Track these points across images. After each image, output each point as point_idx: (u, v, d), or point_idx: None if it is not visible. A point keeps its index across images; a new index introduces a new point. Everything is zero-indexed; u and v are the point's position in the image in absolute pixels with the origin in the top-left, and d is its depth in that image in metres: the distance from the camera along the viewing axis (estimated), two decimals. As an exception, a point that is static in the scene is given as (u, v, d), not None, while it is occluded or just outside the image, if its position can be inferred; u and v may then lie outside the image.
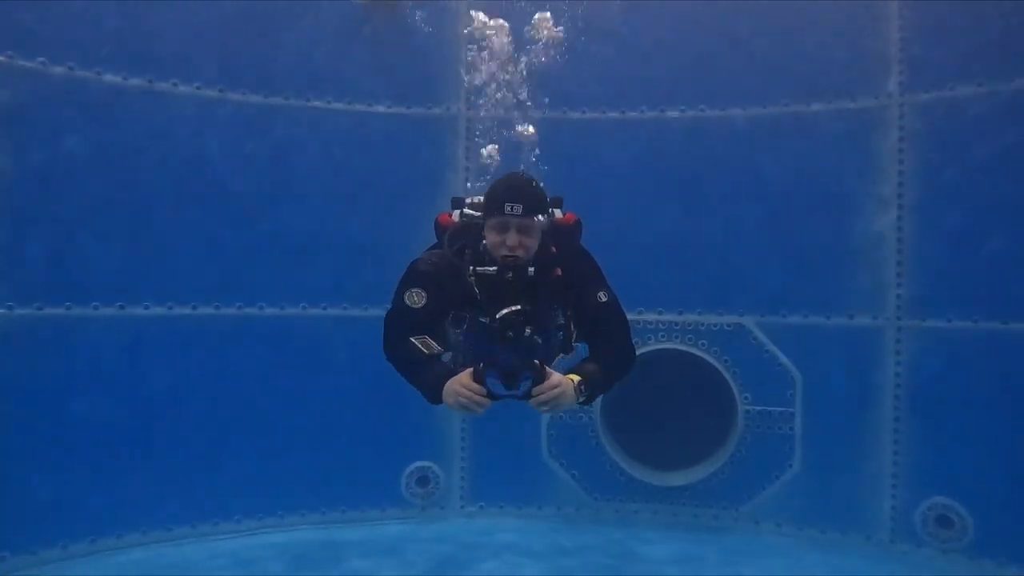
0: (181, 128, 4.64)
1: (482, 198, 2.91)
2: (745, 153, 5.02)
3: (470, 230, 2.79)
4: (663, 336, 5.12)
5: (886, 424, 4.71)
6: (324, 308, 4.99)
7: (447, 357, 2.84)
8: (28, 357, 4.21)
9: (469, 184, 5.18)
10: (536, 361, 2.51)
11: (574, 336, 2.89)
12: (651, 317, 5.13)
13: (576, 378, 2.57)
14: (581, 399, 2.58)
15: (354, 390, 4.91)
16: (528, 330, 2.64)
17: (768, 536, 4.90)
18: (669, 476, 5.19)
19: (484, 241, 2.70)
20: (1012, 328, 4.35)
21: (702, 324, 5.09)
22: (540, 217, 2.65)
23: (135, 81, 4.50)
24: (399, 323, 2.70)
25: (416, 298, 2.67)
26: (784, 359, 4.92)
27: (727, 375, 5.01)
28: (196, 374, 4.68)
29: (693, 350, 5.07)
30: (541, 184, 2.92)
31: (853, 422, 4.80)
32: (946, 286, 4.56)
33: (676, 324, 5.11)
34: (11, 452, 4.14)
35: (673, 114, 5.14)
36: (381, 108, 5.09)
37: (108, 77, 4.41)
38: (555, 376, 2.51)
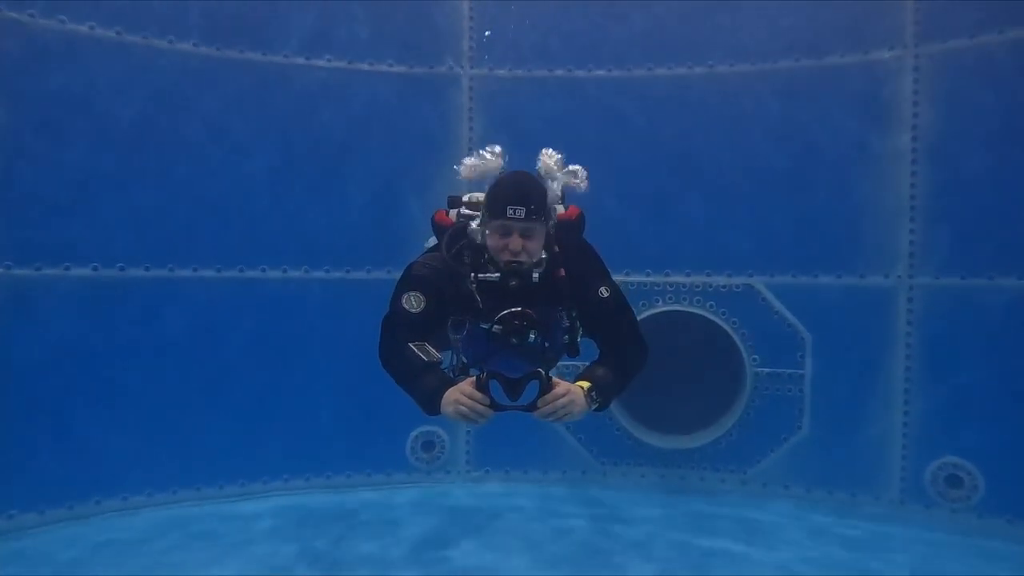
0: (180, 85, 4.54)
1: (480, 196, 2.82)
2: (755, 109, 4.91)
3: (469, 231, 2.67)
4: (671, 299, 5.06)
5: (896, 384, 4.66)
6: (327, 271, 4.92)
7: (445, 365, 2.71)
8: (24, 319, 4.14)
9: (472, 146, 5.09)
10: (541, 370, 2.40)
11: (579, 335, 2.79)
12: (658, 279, 5.06)
13: (586, 384, 2.47)
14: (594, 406, 2.48)
15: (358, 355, 4.83)
16: (533, 335, 2.54)
17: (776, 499, 4.87)
18: (676, 440, 5.16)
19: (484, 242, 2.58)
20: (1027, 284, 4.30)
21: (710, 286, 5.02)
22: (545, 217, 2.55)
23: (132, 38, 4.38)
24: (396, 328, 2.59)
25: (414, 302, 2.56)
26: (793, 320, 4.86)
27: (736, 337, 4.95)
28: (206, 336, 4.61)
29: (701, 312, 5.00)
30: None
31: (863, 383, 4.75)
32: (960, 243, 4.48)
33: (684, 286, 5.04)
34: (19, 413, 4.10)
35: (680, 71, 5.03)
36: (383, 67, 4.98)
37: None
38: (562, 385, 2.40)
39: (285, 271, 4.84)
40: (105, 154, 4.34)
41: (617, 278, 4.89)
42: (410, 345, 2.50)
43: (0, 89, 4.04)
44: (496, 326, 2.52)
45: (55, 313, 4.20)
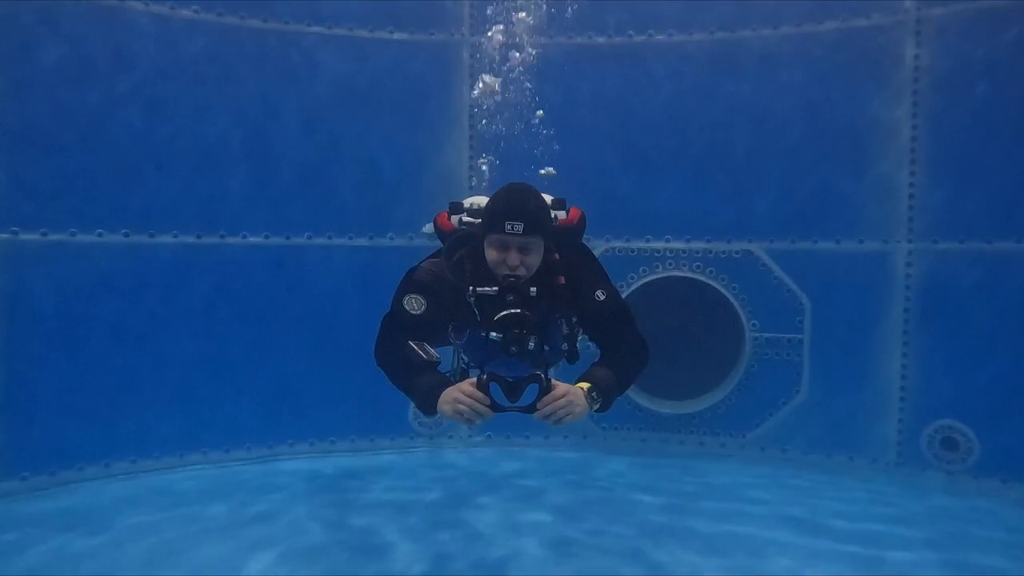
0: (180, 50, 4.56)
1: (482, 200, 2.80)
2: (755, 75, 4.91)
3: (470, 240, 2.66)
4: (671, 264, 5.09)
5: (894, 349, 4.69)
6: (329, 238, 4.96)
7: (446, 366, 2.71)
8: (44, 280, 4.23)
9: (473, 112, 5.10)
10: (540, 373, 2.40)
11: (578, 339, 2.78)
12: (659, 245, 5.09)
13: (586, 385, 2.46)
14: (595, 407, 2.48)
15: (361, 322, 4.89)
16: (532, 344, 2.53)
17: (773, 462, 4.93)
18: (676, 405, 5.22)
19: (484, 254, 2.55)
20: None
21: (710, 251, 5.04)
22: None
23: (132, 3, 4.40)
24: (396, 328, 2.59)
25: (415, 304, 2.56)
26: (793, 285, 4.89)
27: (735, 302, 4.98)
28: (213, 302, 4.69)
29: (701, 277, 5.03)
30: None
31: (861, 347, 4.78)
32: (958, 207, 4.50)
33: (684, 252, 5.07)
34: (33, 377, 4.20)
35: (682, 38, 5.02)
36: (384, 34, 4.98)
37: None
38: (562, 386, 2.39)
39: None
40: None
41: (617, 244, 5.08)
42: (410, 343, 2.53)
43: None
44: (495, 334, 2.52)
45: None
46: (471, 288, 2.53)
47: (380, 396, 4.95)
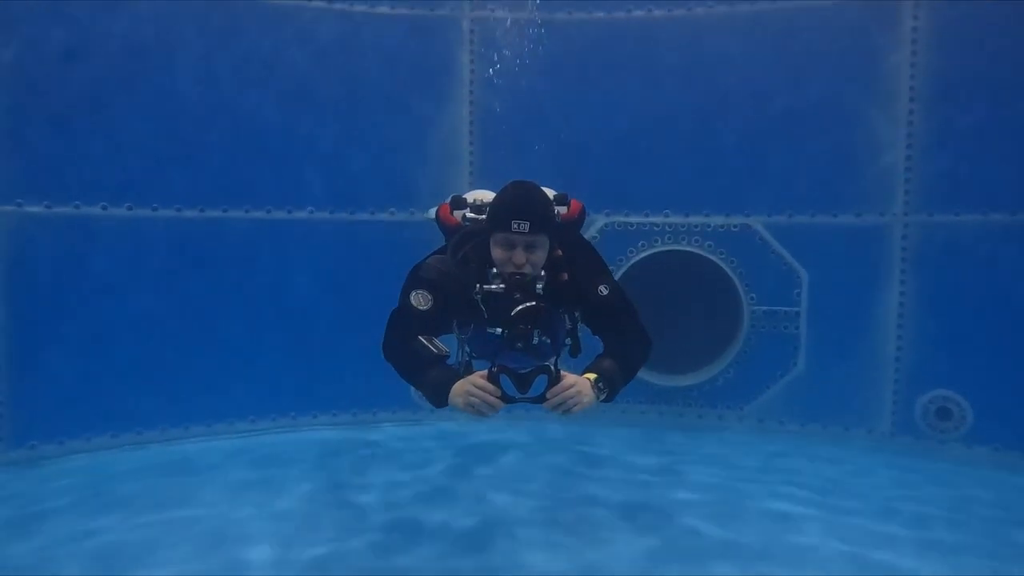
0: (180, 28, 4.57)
1: (485, 196, 2.87)
2: (751, 50, 4.92)
3: (474, 237, 2.72)
4: (669, 238, 5.13)
5: (890, 320, 4.76)
6: (331, 212, 5.00)
7: (452, 359, 2.78)
8: (55, 254, 4.29)
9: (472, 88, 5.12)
10: (549, 364, 2.47)
11: (580, 335, 2.85)
12: (658, 219, 5.13)
13: (592, 376, 2.53)
14: (601, 396, 2.54)
15: (359, 295, 4.96)
16: (536, 338, 2.59)
17: (771, 434, 5.01)
18: (674, 378, 5.28)
19: (489, 251, 2.61)
20: (1020, 218, 4.36)
21: (708, 226, 5.09)
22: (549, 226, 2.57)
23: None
24: (404, 323, 2.65)
25: (422, 300, 2.61)
26: (790, 258, 4.94)
27: (734, 276, 5.04)
28: (224, 276, 4.74)
29: (699, 251, 5.08)
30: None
31: (857, 320, 4.84)
32: (954, 179, 4.54)
33: (682, 226, 5.12)
34: (44, 346, 4.27)
35: (680, 12, 5.04)
36: (384, 9, 4.99)
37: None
38: (569, 377, 2.47)
39: (289, 212, 4.93)
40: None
41: (616, 219, 5.13)
42: (420, 338, 2.59)
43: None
44: (500, 329, 2.57)
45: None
46: (478, 285, 2.59)
47: (384, 371, 5.09)
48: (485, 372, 2.46)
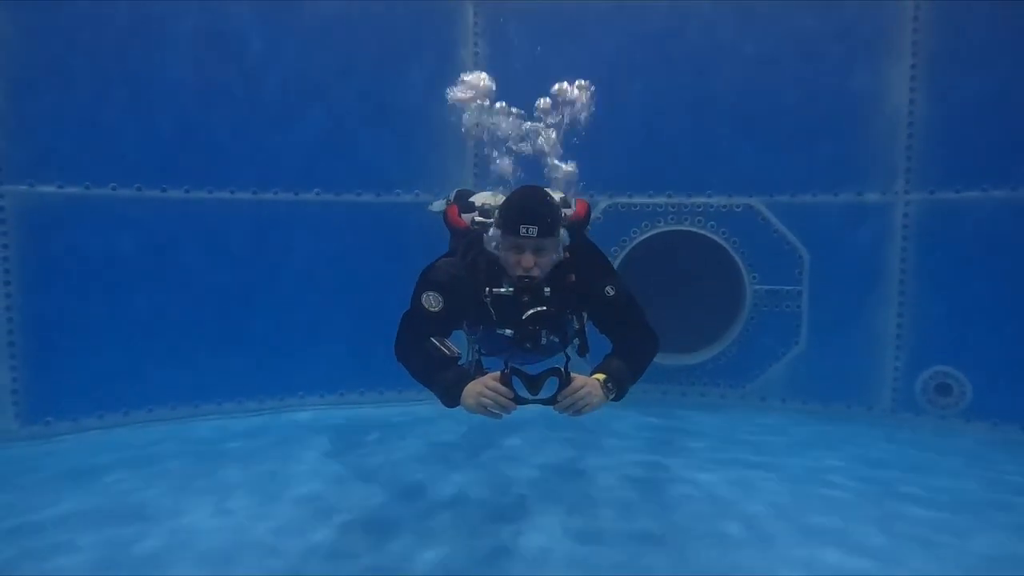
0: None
1: (493, 197, 2.96)
2: (752, 28, 4.94)
3: (483, 241, 2.77)
4: (672, 219, 5.18)
5: (891, 298, 4.81)
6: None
7: (462, 359, 2.85)
8: (76, 235, 4.37)
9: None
10: (559, 367, 2.52)
11: (588, 337, 2.91)
12: (660, 200, 5.18)
13: (601, 376, 2.59)
14: (611, 396, 2.60)
15: (364, 277, 5.01)
16: (545, 338, 2.66)
17: (771, 412, 5.06)
18: (677, 357, 5.34)
19: (498, 254, 2.68)
20: (1020, 194, 4.41)
21: (711, 206, 5.14)
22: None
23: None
24: (416, 325, 2.72)
25: (433, 302, 2.67)
26: (792, 238, 4.99)
27: (736, 256, 5.09)
28: (233, 259, 4.80)
29: (702, 232, 5.13)
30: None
31: (859, 298, 4.90)
32: (956, 156, 4.59)
33: (685, 206, 5.16)
34: (64, 325, 4.36)
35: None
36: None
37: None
38: (579, 378, 2.52)
39: (297, 194, 4.98)
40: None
41: (621, 200, 5.17)
42: (432, 339, 2.66)
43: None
44: (509, 331, 2.65)
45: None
46: (487, 288, 2.66)
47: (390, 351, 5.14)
48: (497, 374, 2.51)
